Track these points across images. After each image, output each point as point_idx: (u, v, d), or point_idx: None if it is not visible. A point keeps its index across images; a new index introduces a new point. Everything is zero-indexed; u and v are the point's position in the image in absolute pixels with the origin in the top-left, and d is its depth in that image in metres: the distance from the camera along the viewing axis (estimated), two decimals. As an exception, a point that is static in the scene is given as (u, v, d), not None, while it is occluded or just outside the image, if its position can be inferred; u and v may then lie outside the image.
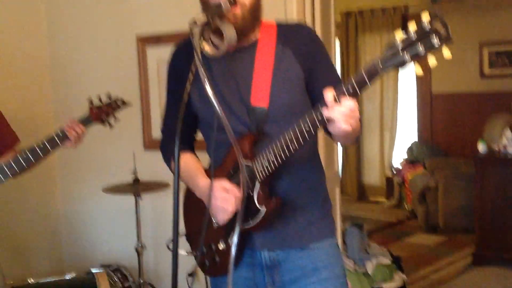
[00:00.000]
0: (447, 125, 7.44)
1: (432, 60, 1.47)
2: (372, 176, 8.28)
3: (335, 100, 1.60)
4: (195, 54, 1.69)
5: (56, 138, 2.67)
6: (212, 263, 2.04)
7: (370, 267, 4.58)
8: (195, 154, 2.19)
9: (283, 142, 1.79)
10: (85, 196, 4.64)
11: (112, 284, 3.84)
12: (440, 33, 1.42)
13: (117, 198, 4.04)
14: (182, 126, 1.72)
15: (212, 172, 1.89)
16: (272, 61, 1.95)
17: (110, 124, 2.90)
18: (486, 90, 7.02)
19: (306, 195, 2.02)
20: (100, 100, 2.85)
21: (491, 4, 6.84)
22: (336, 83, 1.87)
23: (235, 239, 1.72)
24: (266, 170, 1.86)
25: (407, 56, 1.47)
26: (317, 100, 1.85)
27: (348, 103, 1.58)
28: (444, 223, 6.23)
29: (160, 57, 4.10)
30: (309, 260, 2.02)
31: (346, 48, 8.08)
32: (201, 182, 2.01)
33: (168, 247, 1.88)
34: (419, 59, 1.48)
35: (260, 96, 1.93)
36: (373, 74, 1.57)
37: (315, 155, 2.13)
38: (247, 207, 1.87)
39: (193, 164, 2.10)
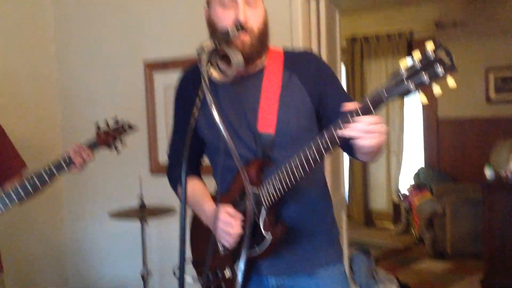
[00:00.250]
0: (453, 150, 7.42)
1: (437, 89, 1.46)
2: (379, 201, 8.24)
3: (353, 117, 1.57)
4: (202, 80, 1.69)
5: (62, 163, 2.67)
6: (218, 290, 2.03)
7: (377, 293, 4.54)
8: (201, 179, 2.19)
9: (289, 169, 1.78)
10: (91, 220, 4.64)
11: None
12: (444, 62, 1.42)
13: (123, 223, 4.03)
14: (188, 152, 1.71)
15: (218, 198, 1.89)
16: (279, 87, 1.96)
17: (117, 149, 2.90)
18: (492, 115, 7.02)
19: (313, 221, 2.01)
20: (107, 124, 2.86)
21: (496, 29, 6.87)
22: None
23: (241, 265, 1.71)
24: (272, 196, 1.85)
25: (411, 85, 1.47)
26: (330, 121, 1.85)
27: (367, 119, 1.55)
28: (452, 249, 6.18)
29: (167, 83, 4.13)
30: (316, 286, 2.00)
31: (352, 73, 8.11)
32: (207, 207, 2.01)
33: (174, 273, 1.86)
34: (423, 88, 1.47)
35: (267, 122, 1.93)
36: (378, 102, 1.56)
37: (322, 181, 2.12)
38: (253, 234, 1.86)
39: (199, 190, 2.10)
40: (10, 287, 3.16)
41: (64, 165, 2.67)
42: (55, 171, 2.65)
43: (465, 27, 7.09)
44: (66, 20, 4.65)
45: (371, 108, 1.56)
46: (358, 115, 1.57)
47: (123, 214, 3.78)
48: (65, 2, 4.65)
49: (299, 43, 3.74)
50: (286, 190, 1.82)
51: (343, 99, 1.95)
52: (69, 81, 4.67)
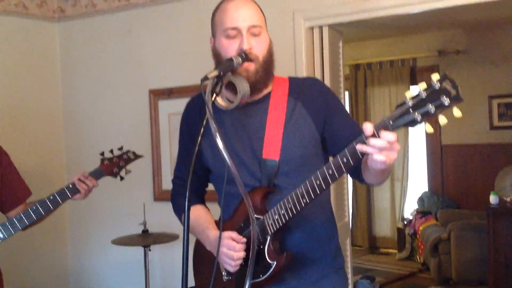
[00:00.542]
0: (457, 176, 7.41)
1: (442, 119, 1.47)
2: (383, 227, 8.20)
3: (374, 134, 1.56)
4: (206, 108, 1.71)
5: (66, 191, 2.69)
6: (222, 318, 2.02)
7: (382, 321, 4.50)
8: (205, 207, 2.20)
9: (294, 197, 1.79)
10: (94, 247, 4.64)
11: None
12: (450, 93, 1.42)
13: (126, 249, 4.03)
14: (193, 178, 1.72)
15: (220, 224, 1.89)
16: (284, 114, 1.98)
17: (121, 177, 2.91)
18: (496, 141, 7.01)
19: (317, 249, 2.01)
20: (111, 152, 2.88)
21: (499, 57, 6.90)
22: (354, 127, 1.89)
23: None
24: (277, 223, 1.86)
25: (417, 115, 1.47)
26: (337, 147, 1.86)
27: (388, 136, 1.54)
28: (457, 275, 6.13)
29: (171, 110, 4.15)
30: (321, 313, 2.00)
31: (355, 100, 8.13)
32: (211, 234, 2.01)
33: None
34: (429, 118, 1.48)
35: (272, 149, 1.95)
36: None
37: (327, 208, 2.13)
38: (258, 262, 1.86)
39: (203, 217, 2.11)
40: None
41: (68, 193, 2.69)
42: (59, 199, 2.67)
43: (468, 54, 7.12)
44: (72, 52, 4.72)
45: (378, 138, 1.56)
46: (364, 143, 1.57)
47: (126, 241, 3.78)
48: (71, 34, 4.72)
49: (302, 70, 3.78)
50: (291, 216, 1.82)
51: (348, 124, 1.98)
52: (75, 111, 4.71)
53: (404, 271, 7.08)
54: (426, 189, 7.74)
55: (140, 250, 3.83)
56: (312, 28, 3.90)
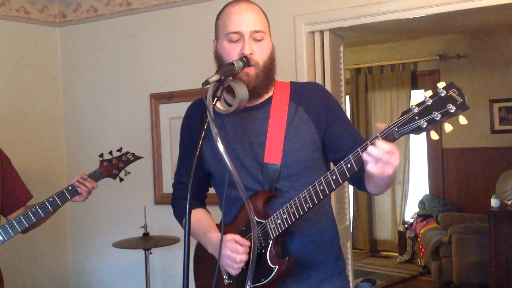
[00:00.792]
0: (458, 180, 7.41)
1: (448, 127, 1.47)
2: (384, 230, 8.20)
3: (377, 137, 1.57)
4: (207, 112, 1.72)
5: (66, 192, 2.70)
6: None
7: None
8: (207, 210, 2.20)
9: (297, 202, 1.80)
10: (95, 250, 4.64)
11: None
12: (457, 101, 1.43)
13: (127, 253, 4.03)
14: (193, 182, 1.72)
15: (222, 227, 1.89)
16: (285, 119, 1.99)
17: (120, 179, 2.92)
18: (497, 145, 7.02)
19: (319, 253, 2.02)
20: (110, 154, 2.88)
21: (499, 61, 6.91)
22: (354, 136, 1.90)
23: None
24: (279, 228, 1.86)
25: (423, 122, 1.48)
26: (336, 153, 1.89)
27: (384, 146, 1.54)
28: (458, 278, 6.12)
29: (172, 114, 4.17)
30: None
31: (356, 104, 8.14)
32: (214, 236, 2.01)
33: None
34: (434, 125, 1.49)
35: (273, 153, 1.95)
36: (390, 140, 1.57)
37: (329, 213, 2.14)
38: (259, 266, 1.87)
39: (205, 220, 2.11)
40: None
41: (68, 195, 2.69)
42: (58, 201, 2.67)
43: (468, 59, 7.14)
44: (73, 56, 4.73)
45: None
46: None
47: (126, 244, 3.78)
48: (73, 39, 4.74)
49: (303, 74, 3.79)
50: (294, 221, 1.83)
51: (348, 131, 1.99)
52: (76, 115, 4.72)
53: (405, 274, 7.08)
54: (427, 192, 7.74)
55: (141, 253, 3.84)
56: (313, 33, 3.92)
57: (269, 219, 1.89)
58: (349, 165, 1.65)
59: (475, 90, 6.90)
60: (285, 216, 1.84)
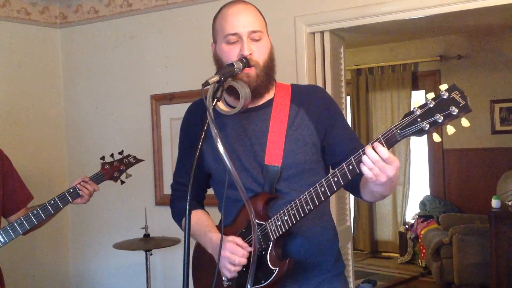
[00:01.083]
0: (459, 181, 7.41)
1: (450, 129, 1.47)
2: (385, 231, 8.20)
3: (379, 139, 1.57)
4: (207, 113, 1.72)
5: (67, 195, 2.70)
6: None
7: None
8: (206, 212, 2.20)
9: (298, 203, 1.80)
10: (96, 251, 4.65)
11: None
12: (459, 103, 1.43)
13: (128, 254, 4.04)
14: (193, 183, 1.72)
15: (222, 228, 1.88)
16: (286, 121, 1.99)
17: (122, 181, 2.92)
18: (497, 146, 7.02)
19: (318, 255, 2.02)
20: (112, 157, 2.89)
21: (500, 62, 6.91)
22: (353, 140, 1.91)
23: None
24: (279, 230, 1.86)
25: (425, 124, 1.48)
26: (334, 157, 1.91)
27: (382, 151, 1.55)
28: (459, 279, 6.11)
29: (173, 115, 4.17)
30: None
31: (357, 104, 8.13)
32: (214, 237, 2.00)
33: (178, 304, 1.86)
34: (437, 127, 1.48)
35: (274, 155, 1.95)
36: (392, 142, 1.57)
37: (328, 215, 2.13)
38: (259, 268, 1.86)
39: (205, 221, 2.11)
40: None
41: (69, 197, 2.70)
42: (59, 203, 2.67)
43: (469, 59, 7.14)
44: (74, 58, 4.74)
45: (385, 147, 1.58)
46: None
47: (127, 245, 3.79)
48: (73, 40, 4.74)
49: (304, 75, 3.79)
50: (294, 223, 1.83)
51: (347, 135, 1.99)
52: (77, 116, 4.73)
53: (405, 275, 7.08)
54: (428, 193, 7.74)
55: (141, 254, 3.84)
56: (313, 34, 3.92)
57: (269, 220, 1.88)
58: (350, 167, 1.65)
59: (475, 91, 6.90)
60: (285, 218, 1.83)
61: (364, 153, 1.59)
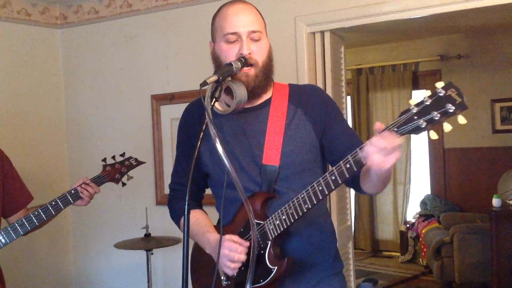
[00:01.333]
0: (460, 180, 7.40)
1: (447, 127, 1.47)
2: (386, 231, 8.20)
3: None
4: (205, 113, 1.73)
5: (68, 196, 2.70)
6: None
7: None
8: (204, 212, 2.20)
9: (296, 202, 1.80)
10: (97, 251, 4.65)
11: None
12: (455, 100, 1.43)
13: (129, 253, 4.04)
14: (191, 184, 1.72)
15: (221, 228, 1.89)
16: (284, 120, 1.99)
17: (123, 183, 2.92)
18: (498, 145, 7.01)
19: (317, 254, 2.02)
20: (113, 159, 2.89)
21: (500, 61, 6.91)
22: (352, 138, 1.92)
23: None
24: (278, 229, 1.86)
25: (422, 122, 1.48)
26: (334, 155, 1.90)
27: (390, 138, 1.53)
28: (460, 278, 6.12)
29: (173, 115, 4.17)
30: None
31: (357, 104, 8.13)
32: (212, 237, 2.01)
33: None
34: (433, 125, 1.48)
35: (272, 155, 1.96)
36: None
37: (325, 215, 2.14)
38: (258, 267, 1.87)
39: (203, 221, 2.11)
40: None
41: (70, 198, 2.70)
42: (61, 204, 2.68)
43: (470, 59, 7.13)
44: (74, 58, 4.74)
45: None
46: None
47: (128, 245, 3.79)
48: (74, 41, 4.75)
49: (304, 75, 3.79)
50: (293, 221, 1.83)
51: (346, 133, 1.99)
52: (77, 117, 4.73)
53: (406, 274, 7.08)
54: (429, 192, 7.74)
55: (142, 254, 3.85)
56: (314, 34, 3.92)
57: (267, 220, 1.89)
58: (348, 166, 1.65)
59: (476, 90, 6.90)
60: (283, 217, 1.84)
61: (361, 150, 1.59)
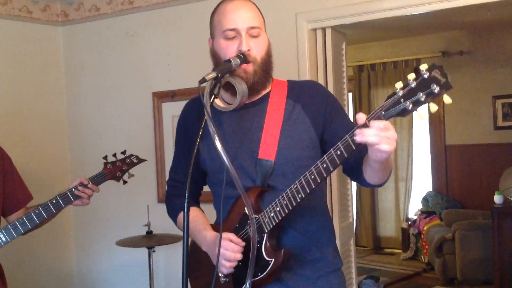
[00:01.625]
0: (462, 176, 7.40)
1: (433, 107, 1.49)
2: (388, 228, 8.20)
3: (366, 125, 1.57)
4: (205, 110, 1.72)
5: (69, 194, 2.69)
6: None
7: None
8: (201, 210, 2.20)
9: (289, 193, 1.80)
10: (99, 248, 4.65)
11: None
12: (440, 81, 1.44)
13: (131, 250, 4.04)
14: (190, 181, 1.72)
15: (221, 225, 1.89)
16: (282, 116, 1.99)
17: (124, 181, 2.91)
18: (500, 141, 7.01)
19: (316, 251, 2.02)
20: (114, 156, 2.88)
21: (502, 57, 6.90)
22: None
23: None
24: (272, 221, 1.87)
25: (408, 104, 1.49)
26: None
27: (378, 124, 1.55)
28: (462, 275, 6.12)
29: (175, 112, 4.16)
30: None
31: (359, 101, 8.13)
32: (209, 235, 2.01)
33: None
34: (420, 106, 1.49)
35: (268, 150, 1.96)
36: None
37: (325, 211, 2.14)
38: (255, 261, 1.86)
39: (200, 218, 2.11)
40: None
41: (71, 197, 2.69)
42: (62, 203, 2.67)
43: (471, 55, 7.13)
44: (76, 55, 4.74)
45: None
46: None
47: (130, 242, 3.79)
48: (75, 38, 4.75)
49: (306, 72, 3.79)
50: (287, 212, 1.83)
51: (347, 127, 1.98)
52: (79, 114, 4.73)
53: (408, 271, 7.09)
54: (431, 189, 7.74)
55: (144, 251, 3.85)
56: (315, 30, 3.91)
57: (262, 213, 1.89)
58: (338, 152, 1.66)
59: (478, 87, 6.90)
60: (278, 209, 1.84)
61: (351, 136, 1.60)
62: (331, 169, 1.70)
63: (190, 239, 2.11)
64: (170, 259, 4.27)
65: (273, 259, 1.88)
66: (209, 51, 2.04)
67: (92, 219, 4.66)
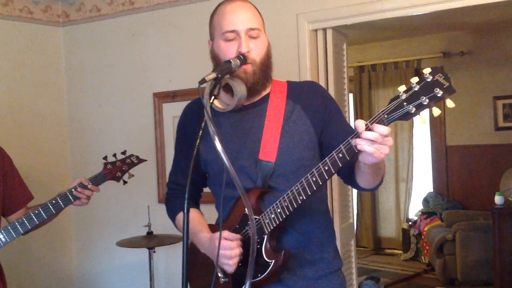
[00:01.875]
0: (462, 177, 7.40)
1: (436, 111, 1.49)
2: (388, 228, 8.20)
3: (368, 129, 1.56)
4: (204, 111, 1.72)
5: (69, 195, 2.69)
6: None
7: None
8: (200, 211, 2.20)
9: (290, 195, 1.80)
10: (99, 249, 4.66)
11: None
12: (443, 85, 1.45)
13: (131, 251, 4.04)
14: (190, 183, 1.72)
15: (220, 226, 1.89)
16: (282, 117, 1.99)
17: (124, 181, 2.91)
18: (501, 142, 7.01)
19: (316, 252, 2.02)
20: (114, 157, 2.87)
21: (503, 58, 6.90)
22: (351, 134, 1.92)
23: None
24: (273, 222, 1.86)
25: (411, 108, 1.49)
26: (331, 151, 1.89)
27: (380, 129, 1.54)
28: (462, 276, 6.12)
29: (175, 113, 4.17)
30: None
31: (360, 101, 8.13)
32: (203, 236, 2.02)
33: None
34: (423, 110, 1.50)
35: (269, 151, 1.96)
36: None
37: (325, 211, 2.14)
38: (255, 261, 1.86)
39: (198, 220, 2.11)
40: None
41: (71, 197, 2.69)
42: (61, 203, 2.67)
43: (472, 56, 7.13)
44: (77, 56, 4.74)
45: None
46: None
47: (130, 243, 3.79)
48: (76, 39, 4.75)
49: (306, 73, 3.78)
50: (288, 214, 1.83)
51: (345, 130, 1.98)
52: (79, 115, 4.73)
53: (409, 272, 7.09)
54: (431, 190, 7.74)
55: (144, 252, 3.85)
56: (316, 31, 3.91)
57: (262, 214, 1.89)
58: (340, 155, 1.66)
59: (478, 87, 6.90)
60: (279, 210, 1.84)
61: (355, 137, 1.59)
62: (333, 171, 1.71)
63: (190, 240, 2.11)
64: (171, 259, 4.27)
65: (273, 261, 1.88)
66: (209, 53, 2.04)
67: (93, 219, 4.67)
